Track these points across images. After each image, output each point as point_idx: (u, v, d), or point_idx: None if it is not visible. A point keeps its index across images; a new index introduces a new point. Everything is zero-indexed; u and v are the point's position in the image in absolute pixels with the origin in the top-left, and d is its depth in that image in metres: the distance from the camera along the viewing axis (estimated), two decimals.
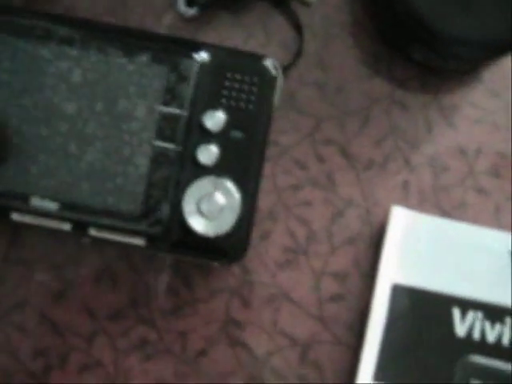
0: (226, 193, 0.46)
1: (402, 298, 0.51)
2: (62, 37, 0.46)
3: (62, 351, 0.51)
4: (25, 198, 0.46)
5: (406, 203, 0.53)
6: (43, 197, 0.46)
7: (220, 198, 0.46)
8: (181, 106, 0.46)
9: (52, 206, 0.46)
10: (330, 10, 0.54)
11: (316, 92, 0.53)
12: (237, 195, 0.46)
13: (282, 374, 0.52)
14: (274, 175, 0.52)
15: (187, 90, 0.46)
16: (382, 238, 0.52)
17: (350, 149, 0.53)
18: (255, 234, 0.52)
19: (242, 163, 0.47)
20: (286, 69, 0.52)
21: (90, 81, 0.46)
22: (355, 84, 0.53)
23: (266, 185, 0.52)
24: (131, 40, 0.47)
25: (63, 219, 0.46)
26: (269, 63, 0.47)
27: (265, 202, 0.52)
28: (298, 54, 0.53)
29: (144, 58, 0.46)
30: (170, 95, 0.46)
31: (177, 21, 0.53)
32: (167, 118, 0.46)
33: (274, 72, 0.47)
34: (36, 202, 0.46)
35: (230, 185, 0.46)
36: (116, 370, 0.51)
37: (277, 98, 0.47)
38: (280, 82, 0.47)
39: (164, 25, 0.53)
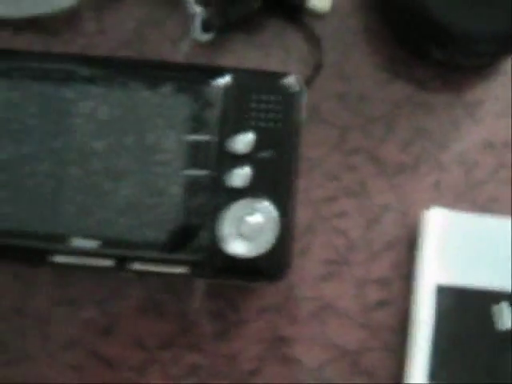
0: (263, 212, 0.46)
1: (446, 298, 0.51)
2: (85, 76, 0.47)
3: None
4: (65, 240, 0.46)
5: (440, 203, 0.53)
6: (83, 236, 0.46)
7: (258, 218, 0.46)
8: (209, 133, 0.46)
9: (93, 244, 0.46)
10: (343, 18, 0.54)
11: (339, 102, 0.53)
12: (274, 213, 0.46)
13: None
14: (308, 189, 0.52)
15: (214, 116, 0.47)
16: (420, 241, 0.52)
17: (378, 155, 0.53)
18: (295, 250, 0.52)
19: (276, 182, 0.47)
20: (307, 83, 0.52)
21: (116, 117, 0.46)
22: (376, 90, 0.53)
23: (301, 200, 0.52)
24: (153, 72, 0.47)
25: (105, 256, 0.47)
26: (292, 80, 0.47)
27: (301, 216, 0.52)
28: (319, 66, 0.53)
29: (167, 88, 0.47)
30: (197, 123, 0.46)
31: (193, 47, 0.53)
32: (196, 146, 0.46)
33: (297, 88, 0.47)
34: (76, 242, 0.46)
35: (266, 204, 0.46)
36: None
37: (303, 113, 0.47)
38: (304, 97, 0.47)
39: (181, 52, 0.53)
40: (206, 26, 0.52)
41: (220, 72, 0.47)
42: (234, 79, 0.47)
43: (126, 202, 0.46)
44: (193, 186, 0.47)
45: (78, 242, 0.46)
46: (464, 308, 0.51)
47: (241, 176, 0.47)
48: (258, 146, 0.47)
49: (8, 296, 0.52)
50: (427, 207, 0.52)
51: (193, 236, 0.47)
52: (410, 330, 0.51)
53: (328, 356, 0.52)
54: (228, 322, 0.52)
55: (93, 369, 0.52)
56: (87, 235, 0.47)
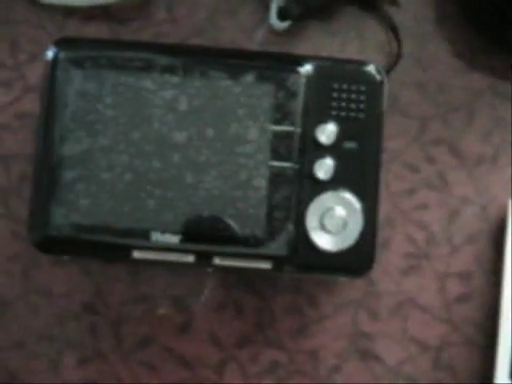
0: (348, 205, 0.45)
1: None
2: (163, 66, 0.45)
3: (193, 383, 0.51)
4: (145, 234, 0.45)
5: None
6: (164, 231, 0.45)
7: (342, 211, 0.45)
8: (292, 123, 0.45)
9: (174, 239, 0.45)
10: (420, 7, 0.53)
11: (418, 92, 0.52)
12: (358, 206, 0.45)
13: (416, 381, 0.50)
14: (387, 181, 0.51)
15: (296, 106, 0.45)
16: (502, 233, 0.51)
17: (458, 146, 0.52)
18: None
19: (359, 173, 0.46)
20: (387, 72, 0.51)
21: (196, 107, 0.45)
22: (455, 79, 0.52)
23: (380, 192, 0.51)
24: (233, 61, 0.46)
25: (186, 251, 0.45)
26: (373, 68, 0.46)
27: (381, 209, 0.51)
28: (398, 55, 0.52)
29: (249, 77, 0.45)
30: (281, 113, 0.45)
31: (269, 35, 0.52)
32: (280, 137, 0.45)
33: (379, 77, 0.46)
34: (157, 237, 0.45)
35: (350, 197, 0.45)
36: None
37: (385, 103, 0.46)
38: (386, 87, 0.46)
39: (256, 41, 0.52)
40: (283, 14, 0.51)
41: (302, 61, 0.46)
42: (316, 68, 0.46)
43: (207, 196, 0.45)
44: (277, 179, 0.45)
45: (158, 237, 0.45)
46: None
47: (325, 168, 0.45)
48: (341, 136, 0.46)
49: (80, 293, 0.51)
50: (508, 199, 0.51)
51: (276, 230, 0.45)
52: (493, 324, 0.51)
53: (409, 352, 0.51)
54: (307, 318, 0.51)
55: (168, 368, 0.50)
56: (167, 230, 0.45)
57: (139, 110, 0.45)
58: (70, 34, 0.52)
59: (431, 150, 0.52)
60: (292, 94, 0.45)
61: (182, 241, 0.45)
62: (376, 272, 0.51)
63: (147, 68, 0.45)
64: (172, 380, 0.50)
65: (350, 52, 0.52)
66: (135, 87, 0.45)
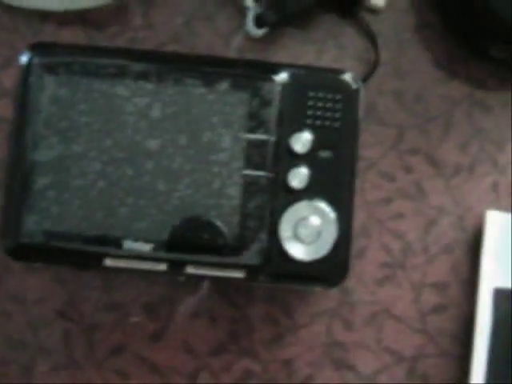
0: (322, 215, 0.45)
1: (504, 301, 0.50)
2: (137, 72, 0.45)
3: None
4: (117, 242, 0.45)
5: (498, 205, 0.51)
6: (136, 239, 0.45)
7: (316, 220, 0.45)
8: (267, 132, 0.45)
9: (146, 247, 0.45)
10: (399, 15, 0.52)
11: (395, 101, 0.52)
12: (332, 216, 0.45)
13: None
14: (363, 190, 0.51)
15: (271, 114, 0.45)
16: (478, 244, 0.51)
17: (435, 156, 0.51)
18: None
19: (334, 183, 0.45)
20: (364, 80, 0.50)
21: (170, 115, 0.45)
22: (433, 88, 0.52)
23: (356, 201, 0.50)
24: (208, 68, 0.45)
25: (158, 260, 0.45)
26: (349, 77, 0.45)
27: (357, 218, 0.50)
28: (376, 64, 0.51)
29: (224, 85, 0.45)
30: (255, 121, 0.45)
31: (245, 42, 0.52)
32: (254, 145, 0.45)
33: (355, 86, 0.45)
34: (129, 245, 0.45)
35: (324, 206, 0.45)
36: None
37: (361, 111, 0.46)
38: (362, 96, 0.46)
39: (233, 47, 0.52)
40: (260, 21, 0.50)
41: (277, 69, 0.46)
42: (291, 76, 0.46)
43: (180, 204, 0.45)
44: (251, 187, 0.45)
45: (130, 245, 0.45)
46: None
47: (299, 177, 0.45)
48: (316, 145, 0.45)
49: (52, 300, 0.50)
50: (485, 210, 0.51)
51: (250, 239, 0.45)
52: (468, 334, 0.50)
53: (383, 362, 0.50)
54: (282, 328, 0.50)
55: (140, 376, 0.50)
56: (140, 238, 0.45)
57: (112, 116, 0.45)
58: (45, 38, 0.51)
59: (408, 159, 0.51)
60: (267, 103, 0.45)
61: (155, 249, 0.45)
62: (351, 282, 0.50)
63: (121, 75, 0.45)
64: None
65: (328, 60, 0.52)
66: (109, 94, 0.45)
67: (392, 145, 0.51)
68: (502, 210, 0.51)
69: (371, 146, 0.51)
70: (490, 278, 0.50)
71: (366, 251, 0.51)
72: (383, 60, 0.52)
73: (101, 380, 0.50)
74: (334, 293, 0.50)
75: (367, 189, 0.51)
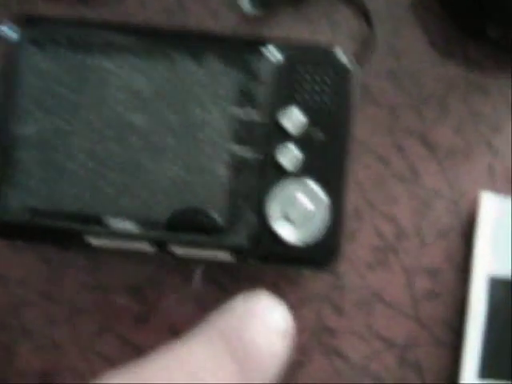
0: (313, 196, 0.43)
1: (499, 289, 0.49)
2: (125, 46, 0.44)
3: None
4: (100, 220, 0.43)
5: (494, 188, 0.50)
6: (120, 217, 0.44)
7: (307, 202, 0.43)
8: (256, 108, 0.43)
9: (130, 226, 0.43)
10: None
11: (390, 81, 0.50)
12: (324, 197, 0.44)
13: (381, 379, 0.49)
14: (356, 172, 0.50)
15: (261, 90, 0.44)
16: (473, 229, 0.49)
17: (430, 138, 0.50)
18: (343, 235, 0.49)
19: (327, 164, 0.44)
20: (358, 60, 0.49)
21: (158, 90, 0.43)
22: (429, 69, 0.51)
23: (348, 183, 0.49)
24: (197, 43, 0.44)
25: (144, 239, 0.44)
26: (343, 55, 0.44)
27: (349, 201, 0.48)
28: (370, 42, 0.50)
29: (213, 60, 0.44)
30: (244, 97, 0.44)
31: (238, 20, 0.50)
32: (243, 122, 0.44)
33: (349, 65, 0.44)
34: (113, 222, 0.44)
35: (316, 188, 0.44)
36: None
37: (356, 92, 0.44)
38: (357, 74, 0.44)
39: (225, 25, 0.50)
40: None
41: (268, 44, 0.44)
42: (283, 52, 0.44)
43: (167, 182, 0.44)
44: (239, 165, 0.44)
45: (115, 223, 0.44)
46: None
47: (289, 155, 0.44)
48: (308, 123, 0.44)
49: (36, 280, 0.49)
50: (480, 193, 0.49)
51: (239, 219, 0.44)
52: (461, 322, 0.49)
53: (374, 349, 0.49)
54: None
55: (124, 359, 0.48)
56: (125, 216, 0.44)
57: (99, 91, 0.44)
58: (33, 12, 0.50)
59: (402, 141, 0.50)
60: (257, 78, 0.44)
61: (140, 228, 0.43)
62: (342, 265, 0.49)
63: (109, 49, 0.44)
64: None
65: (322, 39, 0.50)
66: (96, 68, 0.44)
67: (386, 126, 0.50)
68: (497, 193, 0.50)
69: (364, 127, 0.50)
70: (485, 264, 0.48)
71: (358, 235, 0.49)
72: (378, 39, 0.50)
73: (84, 362, 0.49)
74: (323, 276, 0.49)
75: (360, 171, 0.50)
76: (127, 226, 0.44)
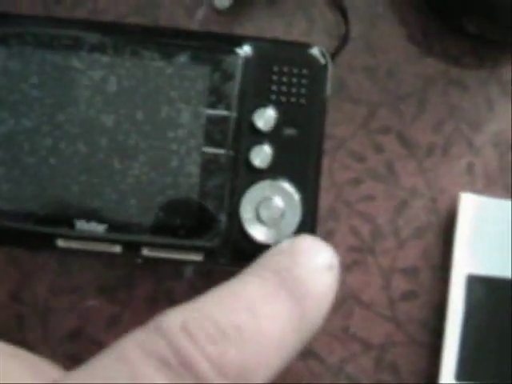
0: (285, 196, 0.42)
1: (477, 288, 0.48)
2: (93, 44, 0.43)
3: None
4: (69, 223, 0.42)
5: (473, 187, 0.49)
6: (89, 219, 0.43)
7: (279, 201, 0.42)
8: (228, 107, 0.42)
9: (99, 228, 0.42)
10: None
11: (366, 78, 0.49)
12: (297, 197, 0.42)
13: (357, 380, 0.48)
14: (331, 171, 0.49)
15: (233, 89, 0.42)
16: (451, 228, 0.48)
17: (408, 135, 0.49)
18: (317, 236, 0.48)
19: (299, 162, 0.43)
20: (333, 56, 0.48)
21: (126, 89, 0.42)
22: (407, 65, 0.50)
23: (323, 182, 0.48)
24: (167, 40, 0.43)
25: (113, 241, 0.43)
26: (316, 51, 0.43)
27: (324, 200, 0.48)
28: (345, 37, 0.49)
29: (183, 58, 0.42)
30: (216, 96, 0.42)
31: (210, 15, 0.49)
32: (215, 122, 0.42)
33: (322, 60, 0.43)
34: (81, 225, 0.43)
35: (288, 187, 0.43)
36: None
37: (328, 87, 0.43)
38: (330, 71, 0.43)
39: (197, 20, 0.49)
40: None
41: (240, 41, 0.43)
42: (255, 49, 0.43)
43: (136, 183, 0.42)
44: (210, 166, 0.43)
45: (83, 226, 0.42)
46: (496, 300, 0.48)
47: (262, 155, 0.42)
48: (281, 122, 0.43)
49: (5, 283, 0.48)
50: (459, 192, 0.48)
51: (209, 220, 0.43)
52: (439, 322, 0.48)
53: (350, 351, 0.48)
54: None
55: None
56: (93, 218, 0.43)
57: (66, 90, 0.42)
58: (1, 8, 0.49)
59: (379, 139, 0.49)
60: (228, 77, 0.42)
61: (109, 230, 0.42)
62: None
63: (75, 46, 0.42)
64: None
65: (297, 34, 0.49)
66: (62, 66, 0.42)
67: (362, 123, 0.49)
68: (477, 193, 0.49)
69: (340, 125, 0.49)
70: (463, 264, 0.48)
71: (334, 234, 0.48)
72: (354, 35, 0.49)
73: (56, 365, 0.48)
74: None
75: (335, 169, 0.49)
76: (96, 228, 0.42)
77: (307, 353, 0.48)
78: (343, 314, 0.48)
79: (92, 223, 0.43)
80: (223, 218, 0.43)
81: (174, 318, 0.33)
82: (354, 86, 0.49)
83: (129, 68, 0.42)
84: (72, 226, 0.42)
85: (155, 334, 0.32)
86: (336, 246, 0.48)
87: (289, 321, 0.33)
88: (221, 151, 0.43)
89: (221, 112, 0.43)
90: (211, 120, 0.43)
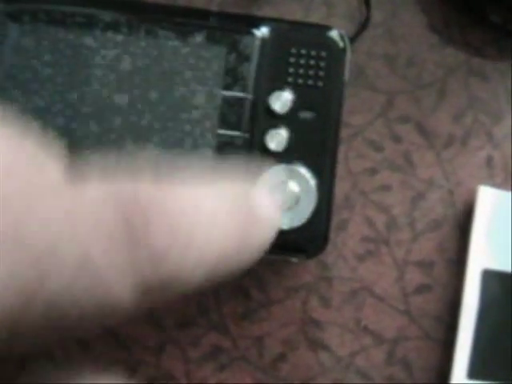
0: (301, 180, 0.42)
1: (493, 284, 0.47)
2: (107, 22, 0.42)
3: (129, 366, 0.47)
4: None
5: (492, 181, 0.48)
6: None
7: (294, 186, 0.42)
8: (244, 89, 0.42)
9: None
10: None
11: (386, 65, 0.48)
12: (312, 182, 0.42)
13: (367, 375, 0.47)
14: (348, 159, 0.48)
15: (249, 71, 0.42)
16: (468, 221, 0.47)
17: (427, 126, 0.48)
18: (331, 225, 0.47)
19: (316, 147, 0.42)
20: (352, 40, 0.47)
21: (141, 68, 0.42)
22: (428, 54, 0.49)
23: (339, 170, 0.47)
24: (182, 20, 0.42)
25: None
26: (335, 34, 0.42)
27: (339, 189, 0.47)
28: (366, 22, 0.48)
29: (199, 38, 0.42)
30: (232, 78, 0.42)
31: None
32: (230, 104, 0.42)
33: (341, 44, 0.42)
34: None
35: (304, 171, 0.42)
36: (188, 381, 0.47)
37: (347, 72, 0.42)
38: (349, 55, 0.42)
39: (215, 2, 0.48)
40: None
41: (258, 22, 0.42)
42: (273, 31, 0.42)
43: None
44: (225, 148, 0.42)
45: None
46: None
47: (278, 138, 0.42)
48: (297, 105, 0.42)
49: None
50: (477, 185, 0.47)
51: None
52: (453, 317, 0.47)
53: (361, 343, 0.47)
54: (255, 302, 0.47)
55: (103, 347, 0.47)
56: None
57: (79, 69, 0.42)
58: None
59: (397, 128, 0.48)
60: (245, 58, 0.42)
61: None
62: (330, 256, 0.47)
63: (89, 24, 0.42)
64: (106, 361, 0.47)
65: (316, 18, 0.48)
66: (75, 45, 0.41)
67: (380, 112, 0.48)
68: (496, 187, 0.48)
69: (358, 113, 0.48)
70: (479, 259, 0.46)
71: (348, 224, 0.47)
72: (375, 21, 0.48)
73: (61, 350, 0.47)
74: (311, 266, 0.47)
75: (352, 158, 0.48)
76: None
77: (317, 344, 0.47)
78: (355, 306, 0.47)
79: None
80: None
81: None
82: (372, 73, 0.48)
83: (143, 47, 0.42)
84: None
85: None
86: (350, 236, 0.48)
87: (233, 231, 0.32)
88: (236, 133, 0.42)
89: (236, 94, 0.42)
90: (227, 102, 0.42)
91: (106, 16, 0.42)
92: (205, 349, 0.47)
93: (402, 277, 0.47)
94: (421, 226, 0.48)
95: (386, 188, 0.48)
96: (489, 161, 0.48)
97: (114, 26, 0.42)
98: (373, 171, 0.48)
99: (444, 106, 0.48)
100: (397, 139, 0.48)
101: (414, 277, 0.48)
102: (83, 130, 0.41)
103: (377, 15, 0.48)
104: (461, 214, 0.48)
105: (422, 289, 0.48)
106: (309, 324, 0.47)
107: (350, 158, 0.48)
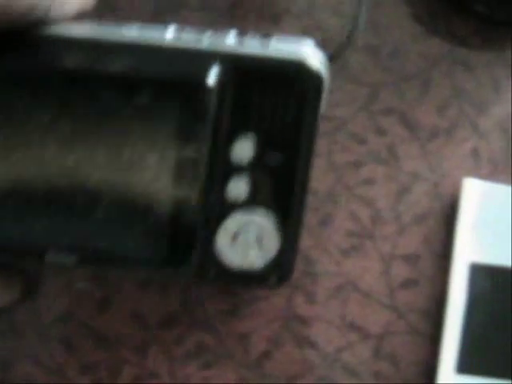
0: (263, 226, 0.39)
1: (480, 277, 0.46)
2: (46, 82, 0.38)
3: (112, 364, 0.47)
4: (39, 254, 0.40)
5: (478, 173, 0.48)
6: (58, 251, 0.40)
7: (257, 232, 0.39)
8: (198, 147, 0.38)
9: (68, 259, 0.40)
10: None
11: (369, 57, 0.48)
12: (275, 227, 0.39)
13: (354, 371, 0.47)
14: (331, 153, 0.47)
15: (204, 124, 0.38)
16: (454, 214, 0.47)
17: (411, 118, 0.48)
18: (315, 220, 0.47)
19: (281, 190, 0.39)
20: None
21: (84, 129, 0.38)
22: (411, 45, 0.48)
23: (322, 164, 0.47)
24: (124, 78, 0.38)
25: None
26: (309, 63, 0.37)
27: (323, 183, 0.47)
28: (357, 20, 0.47)
29: (144, 96, 0.37)
30: (184, 135, 0.38)
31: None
32: (184, 163, 0.38)
33: (315, 74, 0.37)
34: (51, 257, 0.40)
35: (265, 220, 0.39)
36: (173, 380, 0.47)
37: (323, 103, 0.38)
38: (326, 82, 0.38)
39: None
40: None
41: (211, 62, 0.37)
42: (230, 70, 0.37)
43: (104, 219, 0.39)
44: (181, 206, 0.39)
45: (53, 258, 0.40)
46: (500, 289, 0.47)
47: (238, 189, 0.39)
48: (262, 150, 0.38)
49: None
50: (463, 177, 0.47)
51: (182, 252, 0.39)
52: (440, 312, 0.47)
53: (347, 339, 0.47)
54: (239, 299, 0.47)
55: (87, 346, 0.47)
56: (62, 250, 0.40)
57: (20, 130, 0.38)
58: None
59: (381, 121, 0.48)
60: (198, 111, 0.37)
61: (78, 262, 0.39)
62: (315, 251, 0.47)
63: (35, 89, 0.38)
64: (90, 359, 0.47)
65: (298, 13, 0.48)
66: (15, 105, 0.38)
67: (364, 104, 0.48)
68: (482, 178, 0.47)
69: (341, 105, 0.47)
70: (466, 252, 0.46)
71: (332, 219, 0.47)
72: (357, 13, 0.48)
73: (44, 350, 0.47)
74: (296, 263, 0.46)
75: (335, 151, 0.47)
76: (65, 259, 0.39)
77: (303, 340, 0.47)
78: (340, 301, 0.47)
79: (61, 255, 0.40)
80: (197, 249, 0.40)
81: None
82: (356, 65, 0.48)
83: (86, 107, 0.38)
84: (42, 257, 0.40)
85: None
86: (334, 231, 0.47)
87: None
88: (191, 192, 0.39)
89: (190, 153, 0.38)
90: (180, 161, 0.38)
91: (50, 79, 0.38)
92: (189, 346, 0.47)
93: (388, 271, 0.47)
94: (406, 219, 0.47)
95: (370, 181, 0.47)
96: (474, 152, 0.48)
97: (57, 89, 0.38)
98: (357, 164, 0.47)
99: (428, 98, 0.48)
100: (381, 132, 0.48)
101: (400, 271, 0.47)
102: (33, 189, 0.39)
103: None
104: (447, 207, 0.47)
105: (408, 283, 0.47)
106: (294, 320, 0.47)
107: (333, 152, 0.47)
